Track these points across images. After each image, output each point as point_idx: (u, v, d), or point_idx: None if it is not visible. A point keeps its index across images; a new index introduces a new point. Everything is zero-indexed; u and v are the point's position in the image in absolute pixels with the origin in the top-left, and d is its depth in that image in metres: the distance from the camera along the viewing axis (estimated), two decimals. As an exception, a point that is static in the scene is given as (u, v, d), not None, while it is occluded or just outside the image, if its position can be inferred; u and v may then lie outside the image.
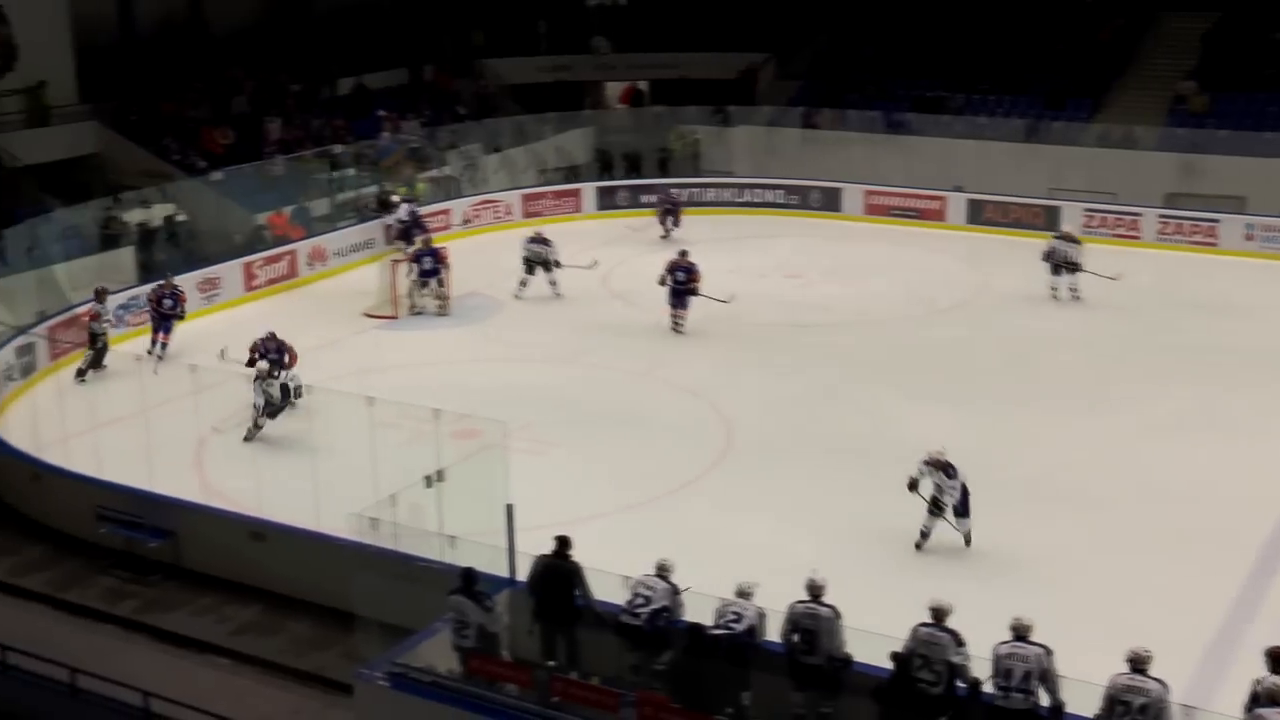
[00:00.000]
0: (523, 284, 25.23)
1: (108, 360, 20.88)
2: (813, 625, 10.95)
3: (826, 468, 17.46)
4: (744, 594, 11.31)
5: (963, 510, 14.94)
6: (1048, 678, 10.17)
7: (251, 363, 18.81)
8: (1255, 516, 15.70)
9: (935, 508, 14.91)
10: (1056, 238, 25.72)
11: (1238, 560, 14.64)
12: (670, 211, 30.23)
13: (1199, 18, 34.46)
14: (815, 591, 11.13)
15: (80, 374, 20.63)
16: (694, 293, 23.09)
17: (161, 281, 22.68)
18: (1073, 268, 24.97)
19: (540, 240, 25.60)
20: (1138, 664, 9.90)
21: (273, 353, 19.05)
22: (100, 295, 21.58)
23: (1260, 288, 25.58)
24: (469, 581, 11.53)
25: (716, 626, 11.05)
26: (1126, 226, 29.88)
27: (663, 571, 11.66)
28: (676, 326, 23.05)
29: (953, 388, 20.49)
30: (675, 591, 11.54)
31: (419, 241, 25.74)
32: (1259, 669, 9.87)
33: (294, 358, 19.37)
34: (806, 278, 26.98)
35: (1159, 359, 21.84)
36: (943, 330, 23.56)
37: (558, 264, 25.21)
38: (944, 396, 20.07)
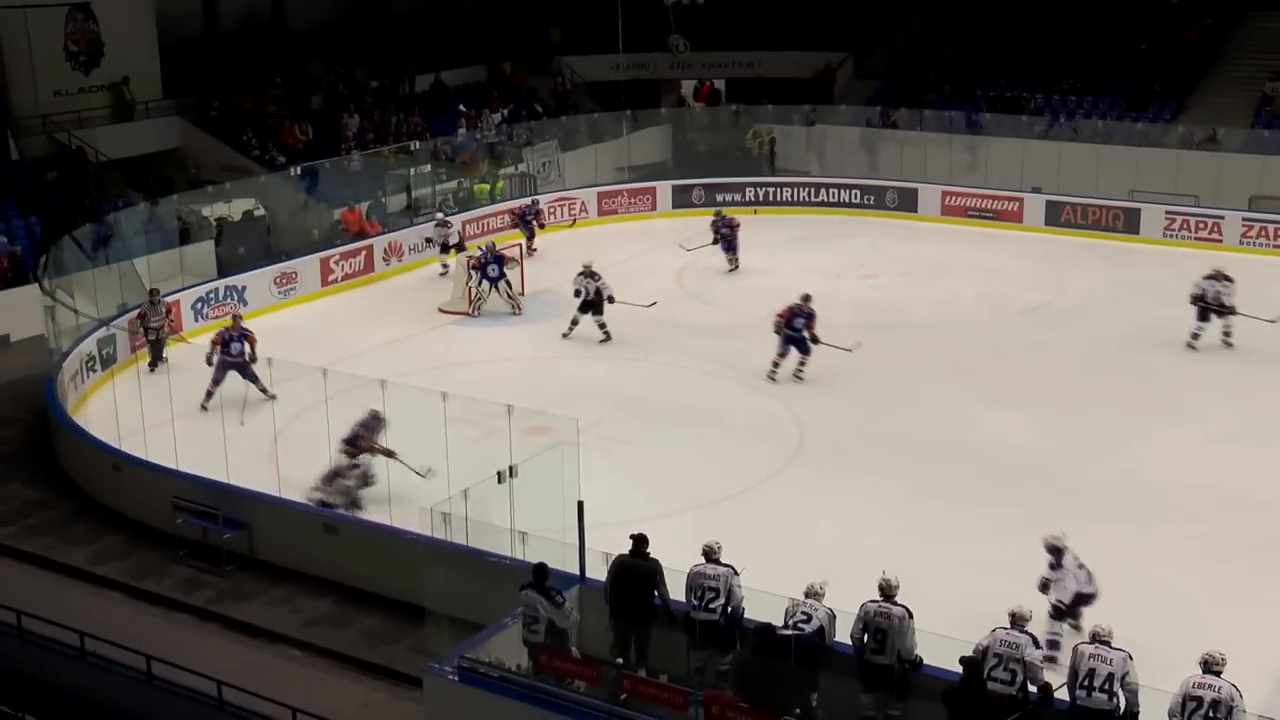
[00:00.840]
0: (573, 323, 22.79)
1: (169, 354, 20.87)
2: (885, 624, 10.89)
3: (898, 469, 17.32)
4: (814, 594, 11.26)
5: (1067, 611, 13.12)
6: (1129, 681, 10.10)
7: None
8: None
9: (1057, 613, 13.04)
10: (1207, 278, 22.31)
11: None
12: (728, 238, 27.45)
13: (1286, 16, 33.94)
14: (888, 591, 11.07)
15: (152, 366, 20.74)
16: (813, 340, 20.80)
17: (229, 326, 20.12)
18: (1226, 310, 22.11)
19: (589, 274, 22.80)
20: (1210, 666, 9.90)
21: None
22: (153, 295, 21.60)
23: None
24: (540, 576, 11.55)
25: (786, 627, 11.01)
26: (1209, 230, 29.41)
27: (710, 555, 11.63)
28: (798, 374, 20.96)
29: (1028, 390, 20.27)
30: (735, 573, 11.54)
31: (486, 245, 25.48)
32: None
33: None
34: (881, 278, 26.79)
35: (1238, 364, 21.46)
36: (1018, 333, 23.30)
37: (610, 300, 22.69)
38: (1019, 399, 19.87)
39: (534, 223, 28.50)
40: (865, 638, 10.98)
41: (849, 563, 13.02)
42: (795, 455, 17.99)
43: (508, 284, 24.39)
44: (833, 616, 11.09)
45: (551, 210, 30.53)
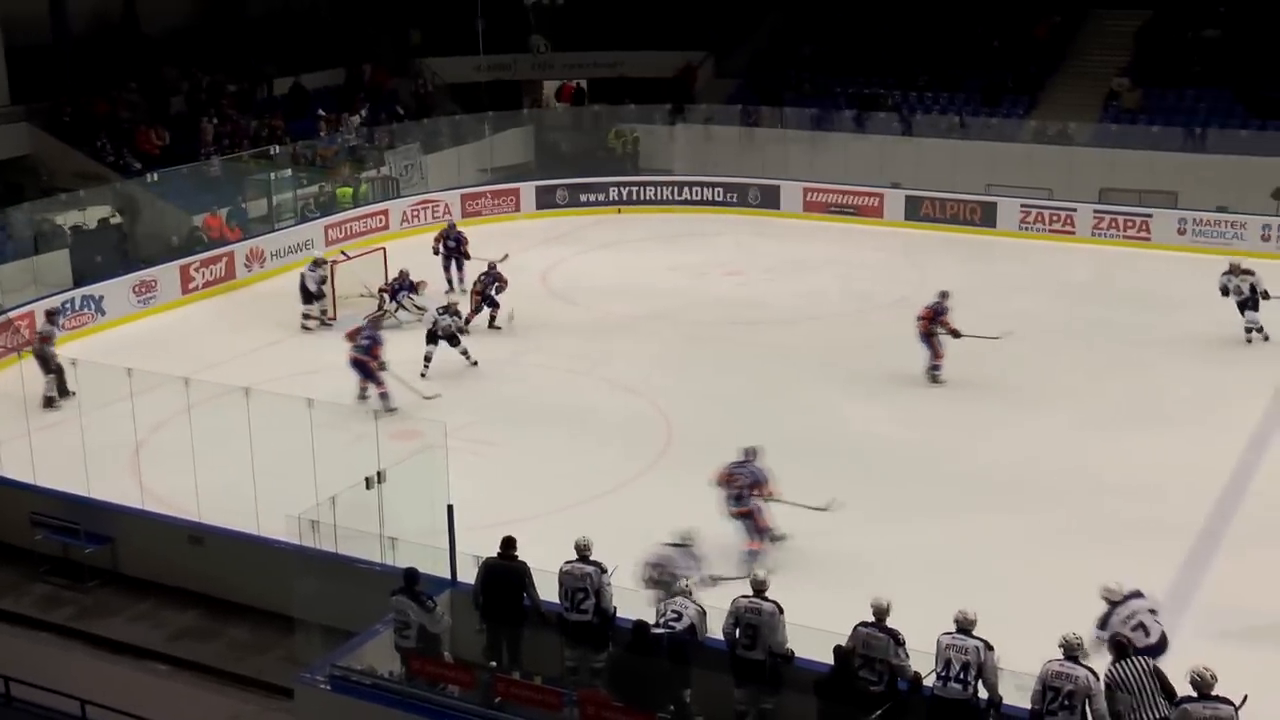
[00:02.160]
0: (426, 361, 20.95)
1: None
2: (755, 620, 11.01)
3: (769, 465, 17.46)
4: (683, 592, 11.35)
5: None
6: (985, 671, 10.27)
7: None
8: (1189, 507, 15.91)
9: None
10: (1225, 273, 22.50)
11: (1173, 550, 14.82)
12: (453, 253, 25.71)
13: (1132, 15, 34.92)
14: (759, 587, 11.19)
15: (49, 403, 19.62)
16: (954, 335, 20.43)
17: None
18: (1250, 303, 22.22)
19: (449, 311, 21.32)
20: (1069, 650, 10.09)
21: None
22: (52, 317, 21.03)
23: (1191, 281, 25.92)
24: (410, 581, 11.50)
25: (658, 625, 11.08)
26: (1062, 222, 30.20)
27: (581, 550, 11.69)
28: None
29: (893, 384, 20.62)
30: (603, 571, 11.60)
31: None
32: (1194, 659, 9.98)
33: None
34: (746, 275, 27.05)
35: (1095, 353, 22.10)
36: (881, 327, 23.66)
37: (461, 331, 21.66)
38: (884, 393, 20.23)
39: (494, 291, 23.47)
40: (737, 633, 11.08)
41: (725, 560, 13.15)
42: (664, 453, 18.10)
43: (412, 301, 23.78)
44: (703, 613, 11.20)
45: (415, 212, 30.47)
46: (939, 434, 18.40)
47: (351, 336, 19.96)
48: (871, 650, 10.54)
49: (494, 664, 11.41)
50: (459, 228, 26.37)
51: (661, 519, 15.49)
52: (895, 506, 15.99)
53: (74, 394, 19.22)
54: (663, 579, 12.03)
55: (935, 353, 20.54)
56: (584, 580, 11.55)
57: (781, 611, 11.00)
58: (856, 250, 28.94)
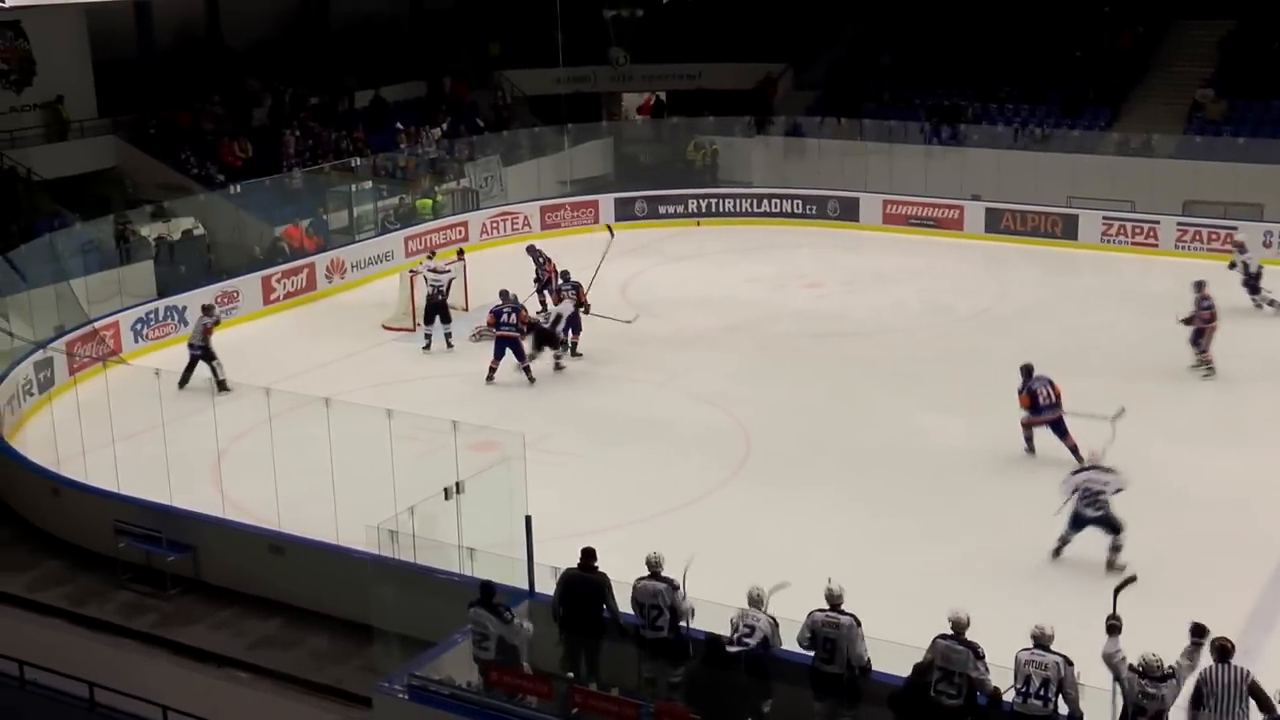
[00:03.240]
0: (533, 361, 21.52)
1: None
2: (833, 634, 10.90)
3: (846, 477, 17.38)
4: (756, 602, 11.22)
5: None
6: (1065, 686, 10.11)
7: None
8: (1273, 522, 15.55)
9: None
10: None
11: (1258, 567, 14.50)
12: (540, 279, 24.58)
13: (1216, 25, 34.35)
14: (834, 600, 11.06)
15: (222, 386, 20.44)
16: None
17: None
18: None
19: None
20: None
21: None
22: (208, 310, 21.93)
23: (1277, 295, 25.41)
24: (487, 594, 11.48)
25: (732, 641, 10.97)
26: (1145, 234, 29.73)
27: (652, 566, 11.59)
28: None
29: (972, 397, 20.35)
30: (674, 588, 11.51)
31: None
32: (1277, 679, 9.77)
33: None
34: (825, 287, 26.89)
35: (1179, 365, 21.69)
36: (962, 339, 23.43)
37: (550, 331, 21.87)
38: (963, 406, 19.96)
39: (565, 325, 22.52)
40: (814, 648, 10.97)
41: (800, 572, 13.02)
42: (743, 466, 17.99)
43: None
44: (775, 624, 11.08)
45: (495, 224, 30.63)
46: (1016, 448, 18.08)
47: (493, 320, 21.30)
48: (950, 663, 10.39)
49: (571, 675, 11.38)
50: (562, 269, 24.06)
51: (740, 531, 15.54)
52: (970, 520, 15.76)
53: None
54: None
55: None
56: (656, 598, 11.49)
57: (859, 624, 10.89)
58: (936, 263, 28.66)
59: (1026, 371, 17.95)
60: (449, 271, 23.60)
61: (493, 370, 21.21)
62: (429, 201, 31.03)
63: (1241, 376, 21.13)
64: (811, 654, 11.07)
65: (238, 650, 13.88)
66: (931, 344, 23.10)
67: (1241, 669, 9.91)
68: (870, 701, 10.79)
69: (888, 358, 22.49)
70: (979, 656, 10.37)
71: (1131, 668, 10.03)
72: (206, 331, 21.31)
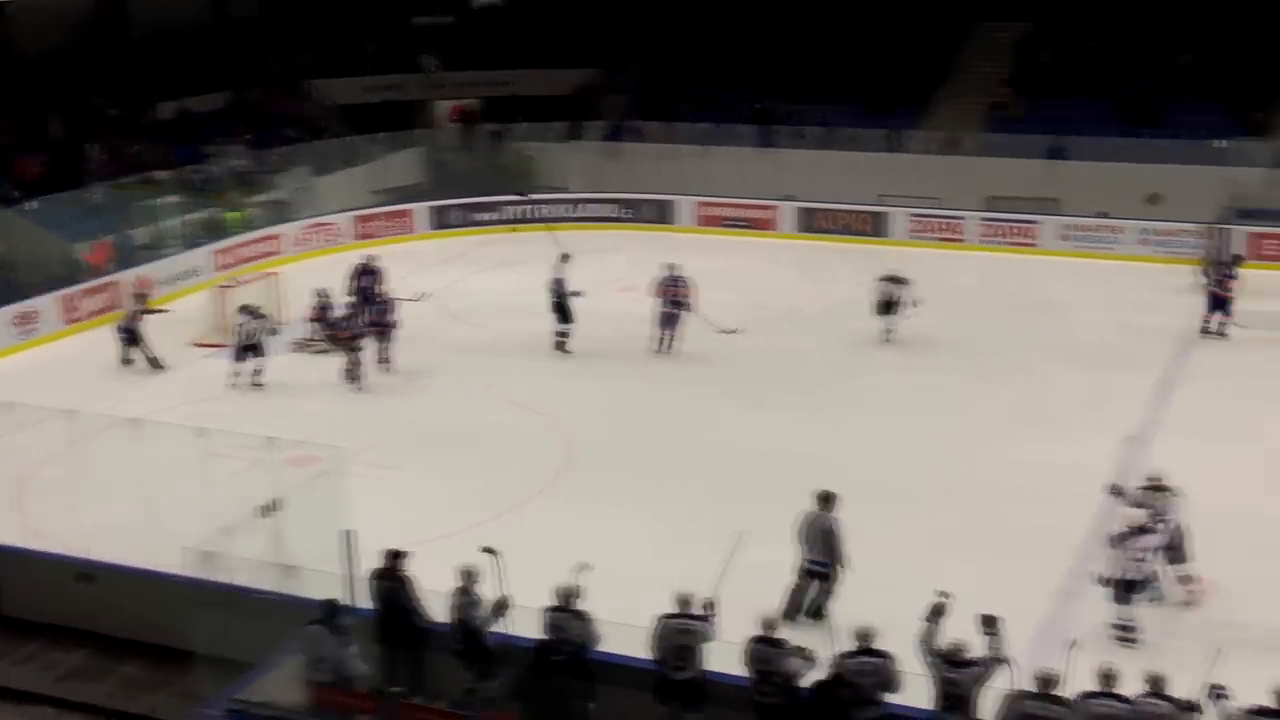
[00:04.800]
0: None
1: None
2: (688, 640, 10.88)
3: (669, 479, 17.55)
4: (570, 602, 11.17)
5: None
6: (891, 684, 10.36)
7: None
8: (1076, 507, 16.16)
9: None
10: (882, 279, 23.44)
11: (1062, 549, 15.06)
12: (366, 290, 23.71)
13: (1012, 27, 35.59)
14: (686, 606, 11.05)
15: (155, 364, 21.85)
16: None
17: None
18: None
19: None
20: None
21: None
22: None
23: (1073, 286, 26.48)
24: (330, 614, 11.24)
25: (555, 642, 10.97)
26: (951, 230, 30.65)
27: (469, 581, 11.50)
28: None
29: (790, 396, 20.78)
30: (475, 602, 11.39)
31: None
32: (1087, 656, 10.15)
33: None
34: (640, 291, 26.99)
35: (984, 358, 22.44)
36: (779, 339, 23.84)
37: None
38: (781, 404, 20.37)
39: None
40: (666, 655, 10.90)
41: (627, 573, 13.14)
42: (566, 471, 18.04)
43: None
44: (592, 622, 11.06)
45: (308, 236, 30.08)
46: (833, 444, 18.49)
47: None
48: (767, 664, 10.55)
49: (398, 690, 11.25)
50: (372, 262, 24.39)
51: (564, 536, 15.55)
52: (791, 519, 16.02)
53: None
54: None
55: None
56: (473, 599, 11.38)
57: (711, 625, 10.95)
58: (751, 263, 29.10)
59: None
60: (265, 319, 22.29)
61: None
62: (239, 214, 30.41)
63: (1052, 365, 22.03)
64: (658, 662, 10.99)
65: (44, 685, 13.38)
66: (748, 343, 23.45)
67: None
68: (721, 704, 10.84)
69: (706, 359, 22.81)
70: (802, 656, 10.55)
71: (936, 652, 10.30)
72: (135, 316, 21.81)
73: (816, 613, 13.51)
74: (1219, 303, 23.36)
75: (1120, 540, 13.23)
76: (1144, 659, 10.23)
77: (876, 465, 17.76)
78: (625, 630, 11.05)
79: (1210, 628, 11.44)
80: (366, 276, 23.94)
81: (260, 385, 21.31)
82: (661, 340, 23.18)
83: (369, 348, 21.63)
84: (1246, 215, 29.07)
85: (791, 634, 10.87)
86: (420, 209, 32.79)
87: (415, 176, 35.39)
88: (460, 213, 32.81)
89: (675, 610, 11.02)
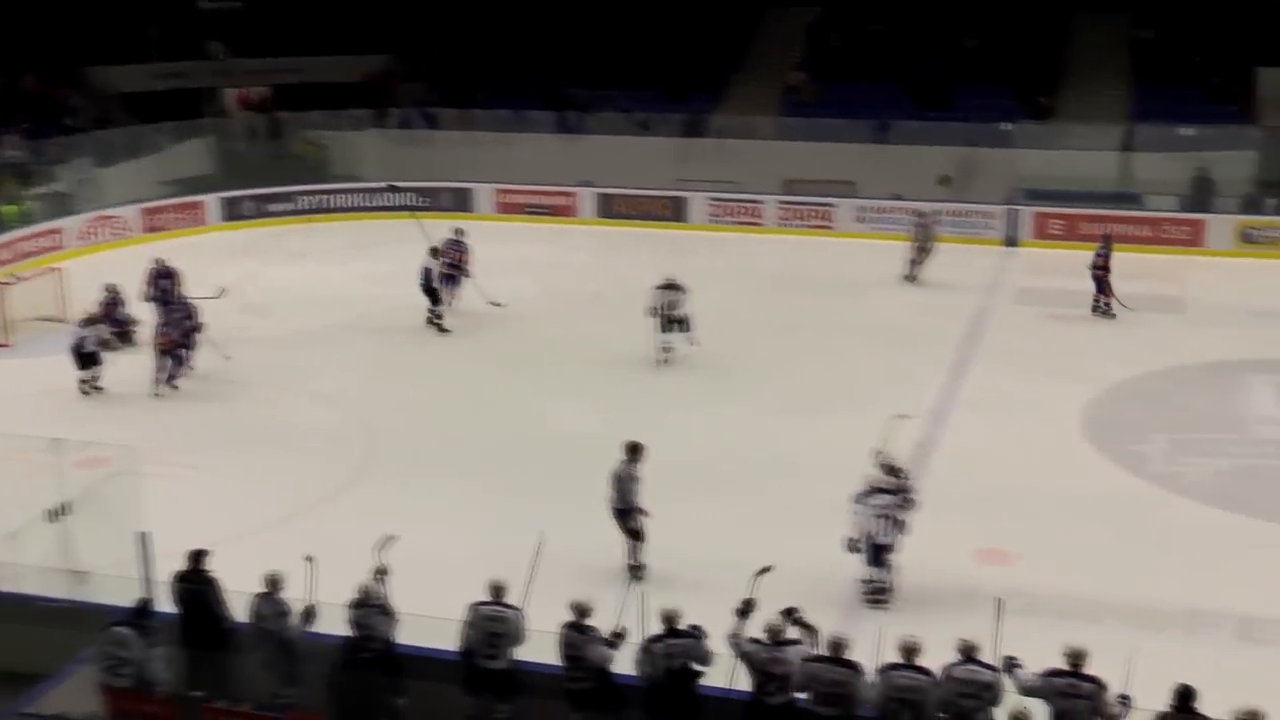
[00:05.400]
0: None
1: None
2: (499, 629, 10.82)
3: (476, 469, 17.53)
4: (371, 599, 11.11)
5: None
6: (705, 660, 10.51)
7: None
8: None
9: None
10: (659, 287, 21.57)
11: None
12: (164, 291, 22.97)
13: (804, 11, 36.34)
14: (499, 594, 11.00)
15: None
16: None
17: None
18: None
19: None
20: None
21: None
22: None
23: (870, 266, 27.24)
24: (140, 614, 10.94)
25: (361, 639, 10.88)
26: (750, 213, 31.18)
27: (274, 588, 11.34)
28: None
29: (597, 382, 20.93)
30: (284, 612, 11.21)
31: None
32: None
33: None
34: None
35: (786, 339, 22.92)
36: (582, 325, 23.98)
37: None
38: (586, 390, 20.51)
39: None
40: (479, 645, 10.84)
41: (435, 567, 13.12)
42: (369, 466, 17.86)
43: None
44: (392, 614, 10.99)
45: (93, 229, 29.01)
46: (638, 429, 18.51)
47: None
48: (575, 650, 10.64)
49: (200, 694, 11.02)
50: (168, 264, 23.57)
51: (368, 532, 15.35)
52: (598, 502, 16.14)
53: None
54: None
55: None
56: (279, 603, 11.22)
57: (523, 616, 10.89)
58: (552, 250, 29.19)
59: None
60: (98, 326, 21.15)
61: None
62: (15, 208, 29.25)
63: (851, 345, 22.62)
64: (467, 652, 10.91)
65: None
66: (551, 331, 23.53)
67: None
68: (535, 694, 10.85)
69: (508, 347, 22.85)
70: (605, 642, 10.65)
71: (754, 640, 10.46)
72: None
73: (634, 571, 14.06)
74: (1101, 284, 24.02)
75: (863, 498, 13.78)
76: (945, 628, 10.54)
77: (680, 450, 17.93)
78: (434, 623, 10.99)
79: (1005, 596, 11.85)
80: (163, 280, 23.18)
81: (100, 390, 20.52)
82: (441, 301, 23.42)
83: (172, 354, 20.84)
84: (1034, 196, 30.27)
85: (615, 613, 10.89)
86: (211, 200, 32.04)
87: (204, 167, 34.44)
88: (253, 204, 32.19)
89: (488, 599, 10.99)
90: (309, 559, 11.24)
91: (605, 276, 27.34)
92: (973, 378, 21.07)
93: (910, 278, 26.32)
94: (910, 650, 10.14)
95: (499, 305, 23.87)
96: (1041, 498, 16.43)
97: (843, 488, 14.80)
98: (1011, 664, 10.08)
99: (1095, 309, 24.03)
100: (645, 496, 14.52)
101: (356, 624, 11.00)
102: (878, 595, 13.67)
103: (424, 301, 23.49)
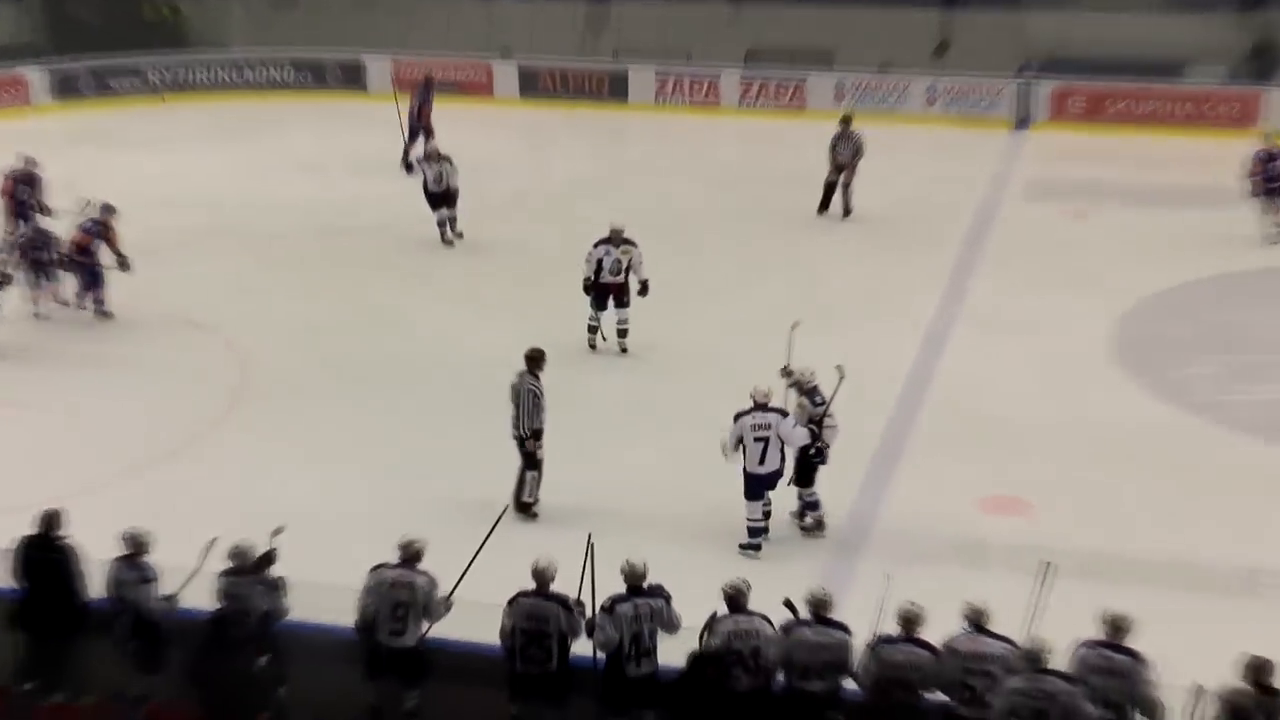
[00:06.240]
0: None
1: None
2: (406, 597, 10.64)
3: (372, 402, 17.40)
4: (251, 564, 10.92)
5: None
6: (668, 625, 10.45)
7: None
8: (867, 417, 16.64)
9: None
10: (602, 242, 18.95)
11: (854, 467, 15.49)
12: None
13: None
14: (408, 554, 10.80)
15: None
16: None
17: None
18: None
19: None
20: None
21: None
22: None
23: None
24: None
25: (234, 614, 10.72)
26: (705, 92, 30.99)
27: (136, 549, 11.15)
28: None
29: (512, 296, 20.82)
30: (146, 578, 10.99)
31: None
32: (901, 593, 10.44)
33: None
34: (328, 173, 26.65)
35: (749, 243, 22.87)
36: (498, 229, 23.72)
37: None
38: (503, 307, 20.36)
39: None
40: (378, 615, 10.67)
41: (323, 522, 13.03)
42: (245, 400, 17.65)
43: None
44: (276, 586, 10.86)
45: None
46: (570, 349, 18.41)
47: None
48: (538, 622, 10.51)
49: (29, 685, 10.85)
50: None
51: (244, 480, 15.24)
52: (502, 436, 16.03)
53: None
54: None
55: None
56: (141, 569, 11.04)
57: (436, 585, 10.73)
58: (464, 136, 28.75)
59: None
60: None
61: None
62: None
63: (819, 263, 22.62)
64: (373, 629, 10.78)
65: None
66: (466, 234, 23.27)
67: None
68: (438, 678, 10.78)
69: (407, 255, 22.73)
70: (567, 607, 10.51)
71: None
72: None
73: (524, 508, 14.30)
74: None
75: (740, 416, 13.73)
76: (947, 594, 10.52)
77: (621, 378, 17.87)
78: (324, 592, 10.82)
79: (1019, 554, 11.80)
80: (23, 187, 22.51)
81: None
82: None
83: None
84: (1050, 68, 30.23)
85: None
86: (37, 74, 31.53)
87: (25, 32, 33.78)
88: (90, 78, 31.65)
89: (395, 561, 10.84)
90: (276, 532, 11.03)
91: (527, 169, 27.08)
92: (977, 290, 21.08)
93: (834, 208, 24.46)
94: (910, 620, 10.07)
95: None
96: (1062, 435, 16.40)
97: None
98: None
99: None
100: (560, 426, 14.46)
101: (226, 594, 10.81)
102: (748, 544, 13.77)
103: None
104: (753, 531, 13.81)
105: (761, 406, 13.67)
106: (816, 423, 13.86)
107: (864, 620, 10.22)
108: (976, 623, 10.02)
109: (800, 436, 13.74)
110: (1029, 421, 16.66)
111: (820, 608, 10.24)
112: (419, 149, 25.28)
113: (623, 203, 24.57)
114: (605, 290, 18.72)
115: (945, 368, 18.25)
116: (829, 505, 14.15)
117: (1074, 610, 10.07)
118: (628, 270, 18.68)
